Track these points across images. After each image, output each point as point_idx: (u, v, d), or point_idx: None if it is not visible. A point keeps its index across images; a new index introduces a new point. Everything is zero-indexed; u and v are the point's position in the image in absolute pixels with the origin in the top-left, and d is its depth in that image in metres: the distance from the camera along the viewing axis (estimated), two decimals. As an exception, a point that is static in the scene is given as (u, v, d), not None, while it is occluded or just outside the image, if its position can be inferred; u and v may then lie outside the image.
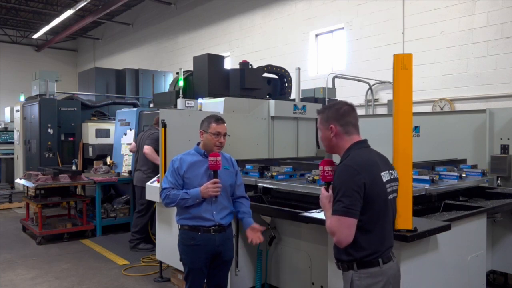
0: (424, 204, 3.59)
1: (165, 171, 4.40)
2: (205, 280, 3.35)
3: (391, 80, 2.68)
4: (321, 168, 2.31)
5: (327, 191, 2.27)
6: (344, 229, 2.07)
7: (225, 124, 3.32)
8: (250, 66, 6.26)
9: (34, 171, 7.46)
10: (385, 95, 9.14)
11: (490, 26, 7.59)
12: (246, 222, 3.33)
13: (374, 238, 2.16)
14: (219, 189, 3.16)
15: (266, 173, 4.42)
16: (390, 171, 2.29)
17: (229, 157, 3.47)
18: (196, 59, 6.30)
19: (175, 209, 3.40)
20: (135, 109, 8.33)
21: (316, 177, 3.89)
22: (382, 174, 2.21)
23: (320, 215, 3.14)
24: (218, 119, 3.29)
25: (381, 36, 9.20)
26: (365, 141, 2.34)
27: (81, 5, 13.50)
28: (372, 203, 2.13)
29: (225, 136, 3.30)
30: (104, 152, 8.93)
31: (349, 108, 2.33)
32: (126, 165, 7.91)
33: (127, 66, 12.49)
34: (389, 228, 2.27)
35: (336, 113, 2.31)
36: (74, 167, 8.39)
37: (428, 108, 8.23)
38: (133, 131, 7.82)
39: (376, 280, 2.14)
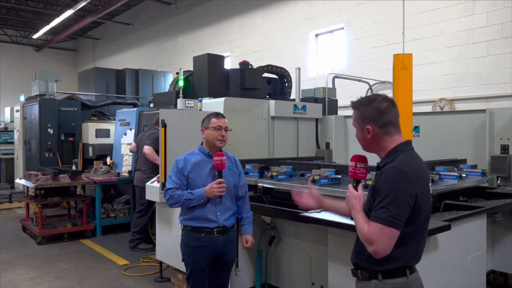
0: (424, 204, 3.59)
1: (165, 171, 4.41)
2: (206, 281, 3.35)
3: (391, 80, 2.69)
4: (352, 163, 2.10)
5: (356, 190, 2.08)
6: (386, 240, 1.88)
7: (225, 119, 3.33)
8: (250, 66, 6.26)
9: (34, 171, 7.46)
10: (385, 95, 9.13)
11: (490, 26, 7.59)
12: (244, 230, 3.40)
13: (410, 251, 1.99)
14: (224, 189, 3.15)
15: (266, 173, 4.42)
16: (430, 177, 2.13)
17: (233, 157, 3.46)
18: (196, 59, 6.30)
19: (175, 209, 3.39)
20: (135, 109, 8.33)
21: (316, 177, 3.89)
22: (429, 184, 2.03)
23: (320, 215, 3.14)
24: (217, 114, 3.32)
25: (381, 36, 9.19)
26: (410, 142, 2.11)
27: (81, 5, 13.49)
28: (418, 216, 1.95)
29: (226, 131, 3.29)
30: (104, 152, 8.92)
31: (389, 105, 2.05)
32: (126, 165, 7.91)
33: (127, 66, 12.48)
34: (425, 240, 2.10)
35: (375, 113, 2.03)
36: (74, 167, 8.39)
37: (428, 108, 8.23)
38: (133, 131, 7.82)
39: None
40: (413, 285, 2.01)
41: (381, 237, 1.88)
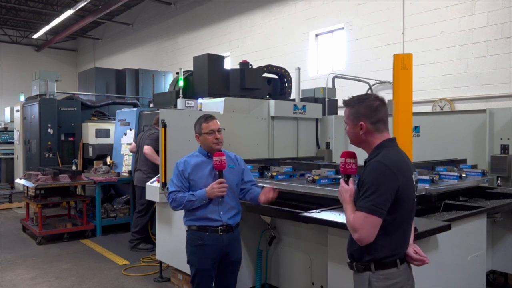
0: (424, 204, 3.59)
1: (165, 171, 4.41)
2: (213, 284, 3.32)
3: (391, 80, 2.69)
4: (342, 159, 2.21)
5: (347, 184, 2.21)
6: (369, 227, 2.02)
7: (216, 120, 3.31)
8: (250, 66, 6.26)
9: (34, 171, 7.46)
10: (385, 95, 9.08)
11: (490, 26, 7.59)
12: (255, 191, 3.36)
13: (395, 239, 2.12)
14: (225, 189, 3.15)
15: (266, 173, 4.42)
16: (415, 173, 2.23)
17: (234, 156, 3.46)
18: (196, 59, 6.30)
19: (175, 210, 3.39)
20: (135, 109, 8.33)
21: (316, 177, 3.89)
22: (412, 176, 2.16)
23: (320, 215, 3.14)
24: (207, 118, 3.29)
25: (381, 36, 9.20)
26: (395, 139, 2.26)
27: (81, 5, 13.49)
28: (401, 206, 2.08)
29: (220, 132, 3.29)
30: (104, 152, 8.92)
31: (381, 104, 2.21)
32: (126, 165, 7.91)
33: (127, 66, 12.48)
34: (410, 231, 2.22)
35: (368, 110, 2.17)
36: (74, 167, 8.39)
37: (428, 108, 8.23)
38: (133, 131, 7.82)
39: (394, 281, 2.09)
40: (404, 275, 2.14)
41: (364, 225, 2.03)
